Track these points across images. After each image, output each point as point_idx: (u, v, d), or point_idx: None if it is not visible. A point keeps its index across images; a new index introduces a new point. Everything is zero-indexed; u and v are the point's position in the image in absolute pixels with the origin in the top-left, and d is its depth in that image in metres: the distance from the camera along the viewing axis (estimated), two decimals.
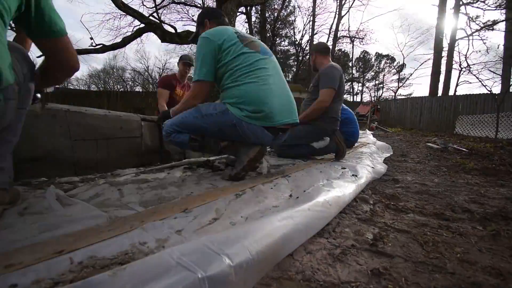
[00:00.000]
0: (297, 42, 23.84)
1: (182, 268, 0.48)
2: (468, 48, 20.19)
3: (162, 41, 7.57)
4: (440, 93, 12.73)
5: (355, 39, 20.78)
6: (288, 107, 1.41)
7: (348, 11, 20.13)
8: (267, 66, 1.36)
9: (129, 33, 8.89)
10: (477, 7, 12.12)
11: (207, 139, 1.38)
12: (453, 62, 12.88)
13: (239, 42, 1.33)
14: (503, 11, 11.03)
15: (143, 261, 0.49)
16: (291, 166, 1.80)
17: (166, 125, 1.41)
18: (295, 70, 27.26)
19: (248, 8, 15.43)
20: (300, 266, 0.65)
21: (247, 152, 1.34)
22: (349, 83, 31.28)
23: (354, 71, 32.42)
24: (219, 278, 0.48)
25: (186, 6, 11.18)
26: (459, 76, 15.80)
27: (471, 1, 12.21)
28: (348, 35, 20.71)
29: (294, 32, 24.32)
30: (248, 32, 17.97)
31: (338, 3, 19.06)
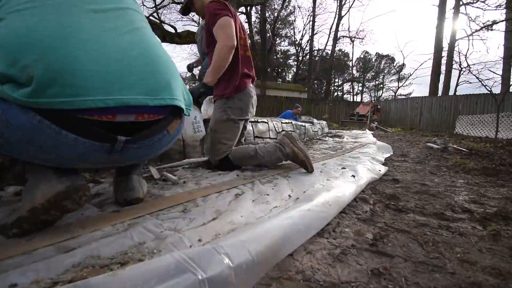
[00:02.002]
0: (297, 42, 23.85)
1: (182, 269, 0.48)
2: (468, 48, 20.22)
3: (162, 41, 7.61)
4: (440, 93, 12.74)
5: (355, 39, 20.78)
6: (145, 69, 0.65)
7: (348, 11, 20.14)
8: None
9: None
10: (477, 7, 12.13)
11: None
12: (453, 62, 12.89)
13: None
14: (503, 11, 11.03)
15: (143, 264, 0.49)
16: (291, 166, 1.80)
17: None
18: (295, 70, 27.28)
19: (248, 8, 15.42)
20: (300, 266, 0.65)
21: (33, 191, 0.62)
22: (349, 83, 31.33)
23: (354, 71, 32.45)
24: (219, 279, 0.48)
25: None
26: (459, 76, 15.81)
27: (471, 1, 12.21)
28: (348, 35, 20.71)
29: (294, 32, 24.38)
30: (248, 31, 17.97)
31: (338, 3, 19.06)
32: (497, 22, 11.13)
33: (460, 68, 13.27)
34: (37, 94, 0.51)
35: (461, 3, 12.64)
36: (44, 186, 0.61)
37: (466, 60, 10.84)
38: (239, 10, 9.51)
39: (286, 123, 3.64)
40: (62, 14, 0.58)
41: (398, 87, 27.05)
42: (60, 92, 0.52)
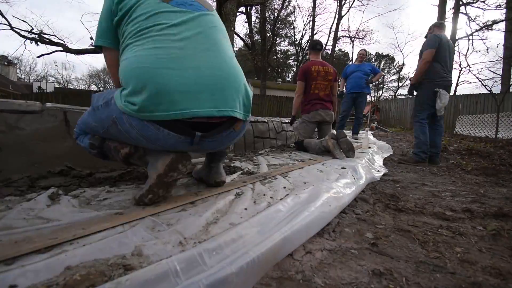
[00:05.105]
0: (297, 42, 23.85)
1: (182, 275, 0.48)
2: (468, 48, 20.29)
3: None
4: None
5: (355, 39, 20.78)
6: (212, 87, 0.84)
7: (348, 11, 20.15)
8: (175, 21, 0.87)
9: None
10: (477, 7, 12.14)
11: (106, 144, 1.01)
12: (453, 62, 12.89)
13: None
14: (503, 11, 11.04)
15: (143, 271, 0.49)
16: (291, 166, 1.80)
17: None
18: (295, 70, 27.30)
19: (248, 8, 15.41)
20: (300, 266, 0.65)
21: (155, 164, 0.90)
22: None
23: None
24: (219, 281, 0.48)
25: None
26: (459, 76, 15.86)
27: (471, 1, 12.22)
28: (348, 35, 20.71)
29: (294, 32, 24.35)
30: (248, 31, 17.99)
31: (338, 3, 19.06)
32: (497, 22, 11.15)
33: (460, 68, 13.28)
34: (143, 111, 0.79)
35: (461, 3, 12.63)
36: (161, 159, 0.89)
37: (466, 60, 10.86)
38: (239, 10, 9.50)
39: (285, 123, 3.63)
40: (152, 47, 0.81)
41: (398, 87, 27.08)
42: (156, 109, 0.78)
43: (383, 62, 32.78)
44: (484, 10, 11.84)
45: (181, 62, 0.81)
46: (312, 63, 2.77)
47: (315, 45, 2.93)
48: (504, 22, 10.48)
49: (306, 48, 21.88)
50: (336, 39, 19.23)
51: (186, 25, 0.89)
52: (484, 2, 11.59)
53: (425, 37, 2.80)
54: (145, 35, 0.84)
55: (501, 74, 10.48)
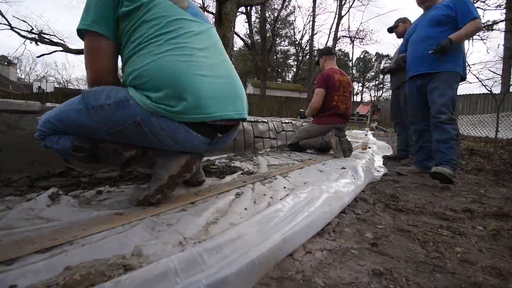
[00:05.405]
0: (297, 42, 23.86)
1: (182, 275, 0.48)
2: (468, 48, 20.31)
3: None
4: None
5: (355, 39, 20.78)
6: (231, 94, 0.94)
7: (348, 11, 20.16)
8: (195, 30, 0.91)
9: None
10: (477, 7, 12.13)
11: (101, 146, 0.93)
12: None
13: None
14: (503, 11, 11.04)
15: (143, 270, 0.49)
16: (291, 166, 1.80)
17: (40, 122, 0.97)
18: (295, 70, 27.30)
19: (248, 8, 15.41)
20: (300, 266, 0.65)
21: (167, 165, 0.92)
22: None
23: (354, 71, 32.46)
24: (219, 281, 0.48)
25: None
26: None
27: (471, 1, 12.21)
28: (348, 35, 20.72)
29: (294, 32, 24.35)
30: (248, 31, 17.99)
31: (338, 3, 19.06)
32: (497, 22, 11.14)
33: None
34: (180, 114, 0.82)
35: None
36: (174, 160, 0.92)
37: (466, 60, 10.82)
38: (239, 10, 9.50)
39: (286, 123, 3.64)
40: (183, 54, 0.85)
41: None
42: (193, 112, 0.83)
43: (383, 62, 32.76)
44: (484, 10, 11.83)
45: (208, 70, 0.88)
46: (332, 71, 2.50)
47: (330, 50, 2.73)
48: (504, 22, 10.48)
49: (307, 48, 21.80)
50: (336, 39, 19.21)
51: (203, 35, 0.94)
52: (484, 2, 11.59)
53: (389, 30, 2.91)
54: (170, 40, 0.85)
55: (501, 74, 10.47)
